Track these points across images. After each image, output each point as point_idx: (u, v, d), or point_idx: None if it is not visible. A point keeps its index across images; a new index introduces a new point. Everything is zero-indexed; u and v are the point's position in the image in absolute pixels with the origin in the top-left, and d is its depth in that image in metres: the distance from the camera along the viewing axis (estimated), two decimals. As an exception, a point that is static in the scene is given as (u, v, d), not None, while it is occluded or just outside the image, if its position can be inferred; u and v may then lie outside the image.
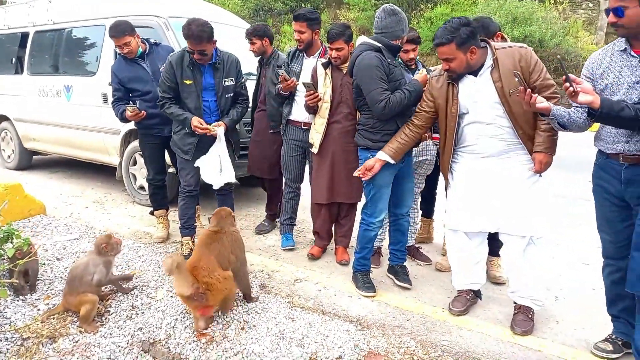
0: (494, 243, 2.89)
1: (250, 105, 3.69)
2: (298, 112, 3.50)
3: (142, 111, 3.47)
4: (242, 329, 2.52)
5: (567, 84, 1.97)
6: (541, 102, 2.15)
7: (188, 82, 3.20)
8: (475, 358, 2.30)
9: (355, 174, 2.80)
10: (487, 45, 2.46)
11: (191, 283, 2.40)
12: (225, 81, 3.27)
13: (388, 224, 3.25)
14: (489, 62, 2.43)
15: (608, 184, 2.20)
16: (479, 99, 2.46)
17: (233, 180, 3.33)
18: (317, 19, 3.43)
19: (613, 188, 2.18)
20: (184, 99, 3.24)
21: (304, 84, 3.20)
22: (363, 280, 3.01)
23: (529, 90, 2.12)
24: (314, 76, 3.32)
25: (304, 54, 3.51)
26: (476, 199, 2.58)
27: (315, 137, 3.33)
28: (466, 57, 2.38)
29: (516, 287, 2.61)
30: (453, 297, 2.81)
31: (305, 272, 3.25)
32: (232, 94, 3.34)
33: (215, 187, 3.33)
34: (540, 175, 2.49)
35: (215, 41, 3.16)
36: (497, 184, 2.51)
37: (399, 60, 3.09)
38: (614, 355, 2.30)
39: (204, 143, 3.28)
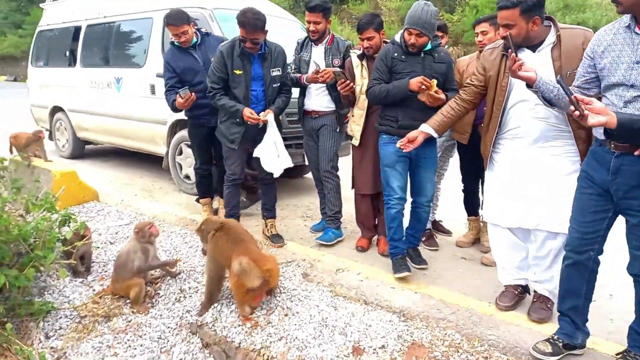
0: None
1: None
2: (309, 102, 3.57)
3: (193, 94, 3.50)
4: (286, 315, 2.56)
5: (572, 107, 1.80)
6: (527, 72, 2.04)
7: (238, 72, 3.24)
8: (524, 354, 2.24)
9: (397, 144, 2.77)
10: (551, 23, 2.33)
11: (259, 274, 2.49)
12: (272, 71, 3.31)
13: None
14: (551, 38, 2.30)
15: (595, 172, 2.06)
16: None
17: (291, 164, 3.36)
18: (331, 8, 3.47)
19: (599, 177, 2.04)
20: (233, 88, 3.30)
21: (334, 72, 3.17)
22: (398, 263, 3.05)
23: (513, 54, 2.02)
24: (350, 69, 3.30)
25: (312, 43, 3.51)
26: (516, 192, 2.49)
27: (355, 129, 3.33)
28: (527, 27, 2.25)
29: (542, 277, 2.55)
30: (500, 292, 2.75)
31: (347, 262, 3.26)
32: (278, 84, 3.38)
33: (276, 174, 3.35)
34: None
35: (267, 31, 3.19)
36: (539, 175, 2.41)
37: (430, 45, 2.93)
38: (552, 358, 2.18)
39: (251, 132, 3.34)
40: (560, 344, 2.20)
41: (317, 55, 3.46)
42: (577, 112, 1.78)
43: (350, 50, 3.42)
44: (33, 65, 7.18)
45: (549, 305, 2.55)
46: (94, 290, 2.82)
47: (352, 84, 3.16)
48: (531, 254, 2.60)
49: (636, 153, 1.89)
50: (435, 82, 2.79)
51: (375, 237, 3.58)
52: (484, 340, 2.35)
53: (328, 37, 3.50)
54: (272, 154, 3.27)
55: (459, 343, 2.32)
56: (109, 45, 5.78)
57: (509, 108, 2.46)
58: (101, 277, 2.98)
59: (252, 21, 3.05)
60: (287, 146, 4.31)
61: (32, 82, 7.18)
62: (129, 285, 2.67)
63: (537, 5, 2.22)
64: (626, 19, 1.91)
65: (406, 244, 3.23)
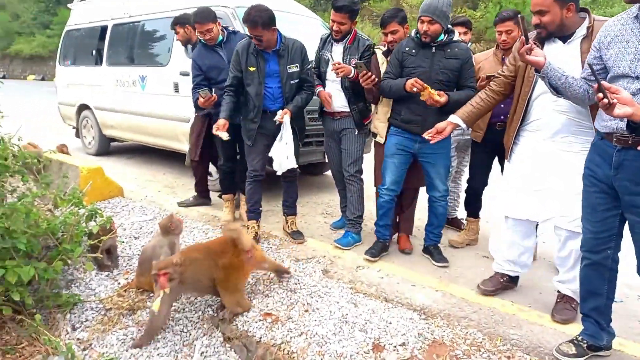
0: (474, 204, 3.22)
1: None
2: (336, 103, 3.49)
3: (214, 95, 3.56)
4: (306, 311, 2.57)
5: (600, 95, 1.70)
6: (535, 56, 1.97)
7: (252, 69, 3.27)
8: (547, 354, 2.20)
9: (426, 135, 2.76)
10: (587, 14, 2.27)
11: (250, 239, 2.64)
12: (290, 67, 3.30)
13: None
14: (582, 30, 2.25)
15: (598, 168, 2.00)
16: (560, 66, 2.27)
17: (295, 166, 3.38)
18: (358, 10, 3.41)
19: (602, 173, 1.98)
20: (247, 85, 3.33)
21: (356, 64, 3.13)
22: (373, 246, 3.23)
23: (523, 37, 1.95)
24: (376, 65, 3.28)
25: (334, 42, 3.44)
26: (531, 185, 2.48)
27: (380, 126, 3.32)
28: (562, 13, 2.19)
29: (566, 278, 2.53)
30: (487, 277, 2.80)
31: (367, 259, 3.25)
32: (297, 80, 3.36)
33: (279, 172, 3.39)
34: None
35: (275, 29, 3.17)
36: (556, 170, 2.39)
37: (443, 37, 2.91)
38: (576, 359, 2.12)
39: (266, 128, 3.37)
40: (585, 345, 2.16)
41: (336, 53, 3.44)
42: (605, 100, 1.68)
43: (375, 47, 3.38)
44: (61, 64, 7.36)
45: (573, 306, 2.52)
46: (119, 283, 2.89)
47: (373, 76, 3.11)
48: (555, 254, 2.58)
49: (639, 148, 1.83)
50: (429, 87, 2.78)
51: (396, 235, 3.57)
52: (506, 339, 2.32)
53: (350, 35, 3.44)
54: (283, 155, 3.29)
55: (481, 342, 2.29)
56: (134, 44, 5.89)
57: (533, 99, 2.44)
58: (126, 271, 3.04)
59: (252, 17, 3.07)
60: (307, 143, 4.36)
61: (60, 80, 7.36)
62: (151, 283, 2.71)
63: None
64: (634, 9, 1.85)
65: (426, 241, 3.25)
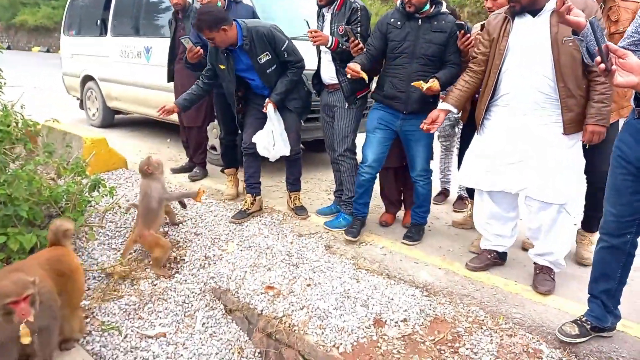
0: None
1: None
2: (322, 74, 3.36)
3: (198, 48, 3.52)
4: (308, 285, 2.57)
5: (598, 58, 1.47)
6: (578, 16, 1.84)
7: (222, 67, 3.23)
8: (550, 333, 2.19)
9: (421, 126, 2.71)
10: None
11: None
12: (260, 59, 3.15)
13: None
14: (551, 4, 2.24)
15: (629, 148, 1.88)
16: (529, 40, 2.31)
17: (287, 154, 3.31)
18: None
19: (634, 155, 1.86)
20: (222, 82, 3.32)
21: (344, 30, 2.96)
22: (352, 224, 3.17)
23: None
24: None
25: (323, 11, 3.24)
26: (502, 156, 2.48)
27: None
28: None
29: (540, 250, 2.56)
30: (475, 256, 2.80)
31: (371, 236, 3.23)
32: (275, 66, 3.20)
33: (271, 159, 3.32)
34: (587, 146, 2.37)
35: (225, 28, 2.97)
36: (529, 143, 2.40)
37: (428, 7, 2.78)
38: (578, 340, 2.11)
39: (255, 102, 3.40)
40: (589, 326, 2.14)
41: (327, 23, 3.22)
42: (602, 65, 1.46)
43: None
44: (65, 34, 7.27)
45: (552, 276, 2.57)
46: (121, 254, 2.89)
47: (361, 44, 2.91)
48: (527, 226, 2.63)
49: None
50: (420, 82, 2.70)
51: (402, 212, 3.53)
52: (509, 318, 2.30)
53: (337, 2, 3.18)
54: (269, 143, 3.22)
55: (483, 320, 2.28)
56: (139, 14, 5.79)
57: (502, 72, 2.43)
58: (129, 242, 3.04)
59: (197, 22, 2.99)
60: (313, 119, 4.30)
61: (64, 50, 7.29)
62: (156, 244, 2.69)
63: None
64: None
65: (412, 218, 3.23)
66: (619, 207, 1.99)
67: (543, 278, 2.56)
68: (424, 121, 2.69)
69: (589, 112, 2.30)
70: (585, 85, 2.31)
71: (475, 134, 2.69)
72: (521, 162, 2.45)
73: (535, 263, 2.64)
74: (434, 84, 2.70)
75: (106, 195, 2.96)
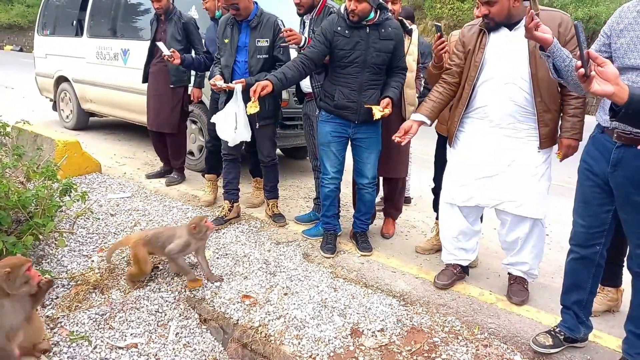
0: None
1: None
2: (302, 83, 3.36)
3: (170, 55, 3.62)
4: (285, 294, 2.54)
5: (579, 63, 1.45)
6: (545, 32, 1.88)
7: (226, 40, 3.22)
8: (524, 344, 2.21)
9: (394, 137, 2.67)
10: (530, 3, 2.28)
11: None
12: (259, 41, 3.17)
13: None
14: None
15: (595, 162, 1.96)
16: (506, 53, 2.32)
17: (248, 139, 3.17)
18: None
19: (599, 168, 1.94)
20: (221, 56, 3.27)
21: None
22: (326, 240, 3.10)
23: (532, 12, 1.89)
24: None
25: (304, 18, 3.24)
26: (478, 170, 2.49)
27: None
28: (509, 3, 2.23)
29: (514, 260, 2.60)
30: (440, 271, 2.79)
31: (348, 245, 3.22)
32: (266, 56, 3.19)
33: (230, 144, 3.19)
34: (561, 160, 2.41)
35: None
36: (504, 158, 2.41)
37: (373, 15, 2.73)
38: (552, 350, 2.14)
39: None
40: (562, 337, 2.17)
41: (306, 29, 3.21)
42: (581, 70, 1.44)
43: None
44: (39, 33, 7.08)
45: (525, 286, 2.61)
46: (92, 261, 2.80)
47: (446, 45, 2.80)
48: (501, 239, 2.65)
49: None
50: (372, 106, 2.73)
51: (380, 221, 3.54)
52: (484, 328, 2.32)
53: (318, 5, 3.16)
54: (230, 125, 3.07)
55: (459, 330, 2.29)
56: (117, 16, 5.68)
57: (478, 85, 2.43)
58: (100, 249, 2.95)
59: None
60: (292, 126, 4.29)
61: (38, 50, 7.09)
62: (138, 259, 2.54)
63: None
64: (637, 1, 1.79)
65: (354, 228, 3.21)
66: (587, 218, 2.05)
67: (517, 288, 2.59)
68: (396, 134, 2.60)
69: (564, 126, 2.34)
70: (560, 100, 2.36)
71: (448, 146, 2.67)
72: (496, 176, 2.45)
73: (509, 273, 2.67)
74: (387, 109, 2.71)
75: (78, 201, 2.87)
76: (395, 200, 3.45)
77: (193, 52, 4.12)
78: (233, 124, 3.06)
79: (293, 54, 3.18)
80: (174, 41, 3.98)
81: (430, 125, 2.70)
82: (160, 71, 4.09)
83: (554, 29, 2.17)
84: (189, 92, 4.28)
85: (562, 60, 1.92)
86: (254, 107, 2.69)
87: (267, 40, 3.18)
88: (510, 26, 2.32)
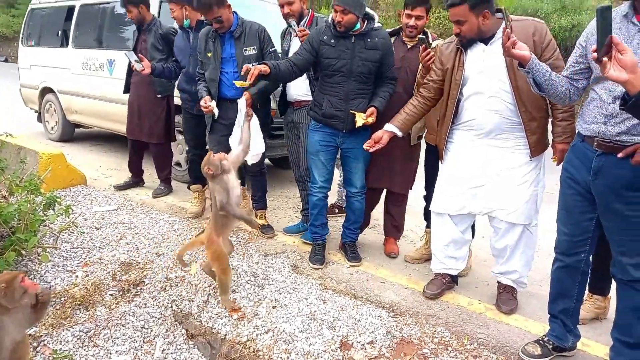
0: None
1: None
2: (289, 91, 3.35)
3: (139, 66, 3.65)
4: (274, 307, 2.51)
5: (595, 47, 1.49)
6: (521, 50, 1.94)
7: (209, 54, 3.19)
8: (513, 353, 2.21)
9: (365, 146, 2.70)
10: (503, 15, 2.30)
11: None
12: (246, 50, 3.16)
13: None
14: (501, 31, 2.27)
15: (576, 170, 1.99)
16: (485, 68, 2.36)
17: (262, 150, 3.09)
18: None
19: (580, 176, 1.97)
20: (205, 71, 3.24)
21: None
22: (314, 251, 3.09)
23: (508, 30, 1.93)
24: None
25: (290, 30, 3.25)
26: (468, 180, 2.51)
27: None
28: (478, 21, 2.27)
29: (504, 269, 2.60)
30: (429, 280, 2.78)
31: (337, 255, 3.21)
32: (256, 64, 3.12)
33: (250, 161, 3.09)
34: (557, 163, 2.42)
35: (229, 5, 3.09)
36: (493, 166, 2.44)
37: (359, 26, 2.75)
38: None
39: (223, 118, 3.27)
40: (550, 346, 2.17)
41: (296, 42, 3.18)
42: (594, 55, 1.49)
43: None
44: (24, 44, 7.01)
45: (514, 295, 2.63)
46: (76, 276, 2.75)
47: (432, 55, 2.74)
48: (491, 246, 2.66)
49: (620, 155, 1.79)
50: (355, 113, 2.73)
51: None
52: (473, 338, 2.32)
53: (307, 18, 3.23)
54: (236, 140, 2.98)
55: (448, 341, 2.28)
56: (103, 26, 5.64)
57: (463, 100, 2.47)
58: (85, 263, 2.90)
59: (204, 2, 2.97)
60: (279, 136, 4.28)
61: (23, 61, 7.01)
62: (219, 258, 2.39)
63: None
64: (624, 7, 1.82)
65: (343, 238, 3.21)
66: (570, 226, 2.07)
67: (506, 297, 2.60)
68: (367, 142, 2.68)
69: (555, 131, 2.36)
70: (544, 106, 2.38)
71: (440, 162, 2.68)
72: (487, 185, 2.47)
73: (498, 282, 2.68)
74: (370, 118, 2.72)
75: (62, 214, 2.82)
76: (395, 216, 3.34)
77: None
78: (238, 139, 2.95)
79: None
80: (155, 50, 3.99)
81: (402, 137, 2.73)
82: (144, 81, 4.06)
83: (528, 39, 2.21)
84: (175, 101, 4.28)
85: (542, 75, 1.97)
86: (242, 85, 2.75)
87: (254, 48, 3.18)
88: (486, 41, 2.35)
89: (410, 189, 3.32)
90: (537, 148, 2.39)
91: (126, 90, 4.30)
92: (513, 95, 2.31)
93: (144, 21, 4.03)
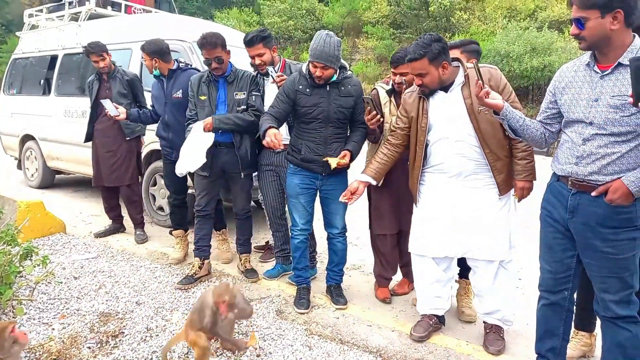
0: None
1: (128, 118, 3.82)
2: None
3: (115, 112, 3.69)
4: (258, 355, 2.45)
5: (480, 82, 1.98)
6: (494, 99, 2.05)
7: (203, 97, 3.25)
8: (503, 396, 2.17)
9: (341, 198, 2.72)
10: (459, 64, 2.46)
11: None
12: (237, 94, 3.25)
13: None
14: (460, 79, 2.44)
15: (554, 209, 2.06)
16: (448, 115, 2.45)
17: (193, 169, 3.12)
18: (270, 35, 3.30)
19: (558, 215, 2.03)
20: (198, 114, 3.27)
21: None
22: (299, 295, 3.07)
23: (480, 82, 2.04)
24: (377, 102, 3.06)
25: (263, 77, 3.37)
26: (443, 223, 2.55)
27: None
28: (438, 72, 2.38)
29: (487, 309, 2.61)
30: (416, 322, 2.76)
31: (323, 299, 3.17)
32: (244, 107, 3.24)
33: (179, 171, 3.15)
34: (518, 201, 2.51)
35: (229, 52, 3.22)
36: (465, 207, 2.49)
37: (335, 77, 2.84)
38: None
39: (219, 161, 3.28)
40: None
41: (271, 89, 3.28)
42: (632, 100, 1.64)
43: (377, 84, 3.21)
44: (5, 93, 7.02)
45: (502, 335, 2.62)
46: (53, 329, 2.65)
47: (380, 117, 2.87)
48: (473, 285, 2.68)
49: (593, 194, 1.87)
50: (328, 158, 2.81)
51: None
52: (462, 381, 2.27)
53: (279, 64, 3.34)
54: (186, 155, 3.09)
55: (437, 385, 2.24)
56: (86, 74, 5.70)
57: (431, 145, 2.55)
58: (62, 315, 2.80)
59: (210, 39, 3.09)
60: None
61: (3, 109, 6.99)
62: (195, 342, 2.30)
63: (442, 52, 2.35)
64: (586, 56, 1.93)
65: (327, 281, 3.19)
66: (552, 264, 2.10)
67: (494, 338, 2.58)
68: (343, 193, 2.71)
69: (516, 169, 2.45)
70: (507, 146, 2.46)
71: (414, 206, 2.72)
72: (460, 226, 2.51)
73: (484, 322, 2.66)
74: (343, 160, 2.80)
75: (39, 265, 2.75)
76: (409, 257, 3.10)
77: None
78: (188, 154, 3.09)
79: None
80: (121, 97, 4.06)
81: (377, 185, 2.80)
82: (110, 127, 4.10)
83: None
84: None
85: (516, 121, 2.07)
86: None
87: (244, 93, 3.26)
88: (446, 88, 2.46)
89: None
90: (504, 186, 2.46)
91: (87, 139, 4.30)
92: (477, 138, 2.39)
93: (110, 69, 4.11)
